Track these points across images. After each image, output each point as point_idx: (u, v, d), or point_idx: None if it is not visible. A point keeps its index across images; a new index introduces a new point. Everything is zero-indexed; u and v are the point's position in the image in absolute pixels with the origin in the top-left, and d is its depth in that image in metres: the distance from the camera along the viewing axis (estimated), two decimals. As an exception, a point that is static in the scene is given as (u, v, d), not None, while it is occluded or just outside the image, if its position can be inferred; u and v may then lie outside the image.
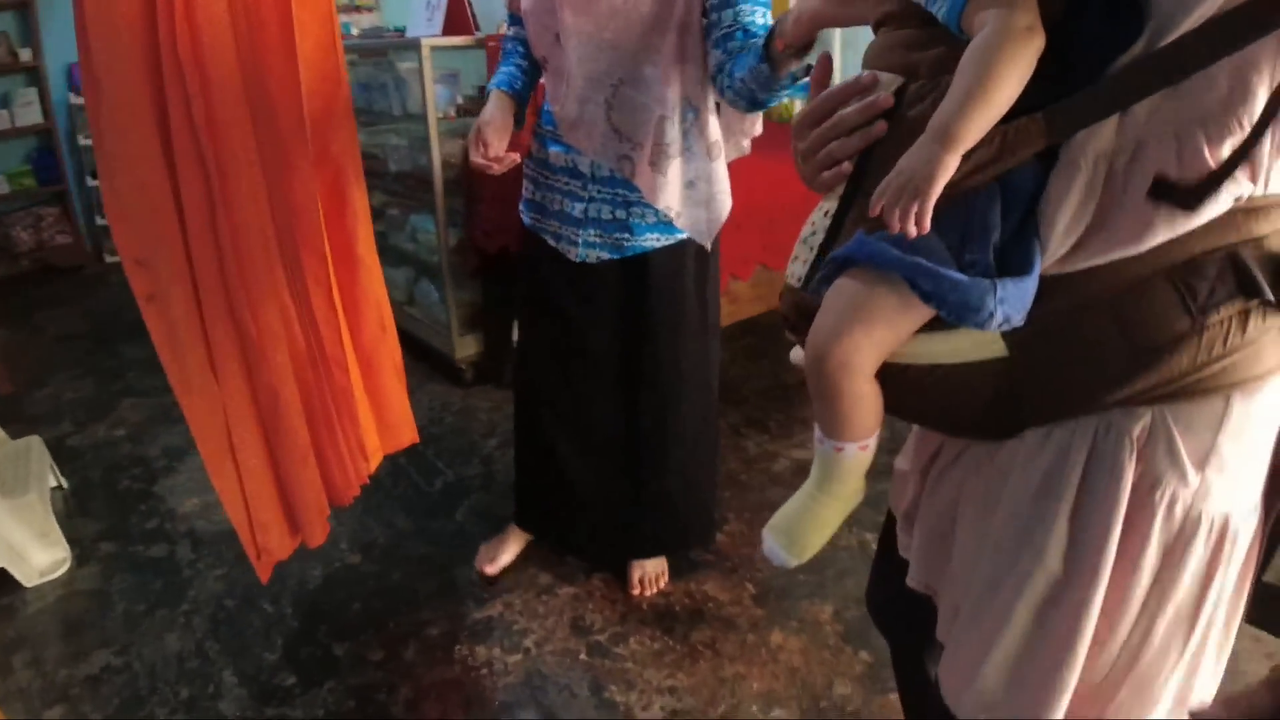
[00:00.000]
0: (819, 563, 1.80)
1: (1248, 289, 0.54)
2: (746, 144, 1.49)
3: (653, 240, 1.38)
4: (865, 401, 0.59)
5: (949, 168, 0.53)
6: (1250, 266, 0.54)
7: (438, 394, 2.59)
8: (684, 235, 1.38)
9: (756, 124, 1.46)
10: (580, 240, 1.39)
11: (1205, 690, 0.67)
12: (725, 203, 1.37)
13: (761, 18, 1.20)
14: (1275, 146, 0.51)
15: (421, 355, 2.73)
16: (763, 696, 1.41)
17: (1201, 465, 0.58)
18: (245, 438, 1.17)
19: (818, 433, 0.65)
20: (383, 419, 1.49)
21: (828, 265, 0.58)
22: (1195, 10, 0.48)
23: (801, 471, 2.15)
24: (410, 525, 1.93)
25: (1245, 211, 0.53)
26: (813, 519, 0.68)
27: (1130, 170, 0.53)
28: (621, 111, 1.28)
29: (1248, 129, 0.50)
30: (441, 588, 1.70)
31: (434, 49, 2.31)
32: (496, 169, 1.35)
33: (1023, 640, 0.65)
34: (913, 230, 0.53)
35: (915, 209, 0.53)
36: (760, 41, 1.09)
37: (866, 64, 0.63)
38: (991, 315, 0.53)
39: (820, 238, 0.63)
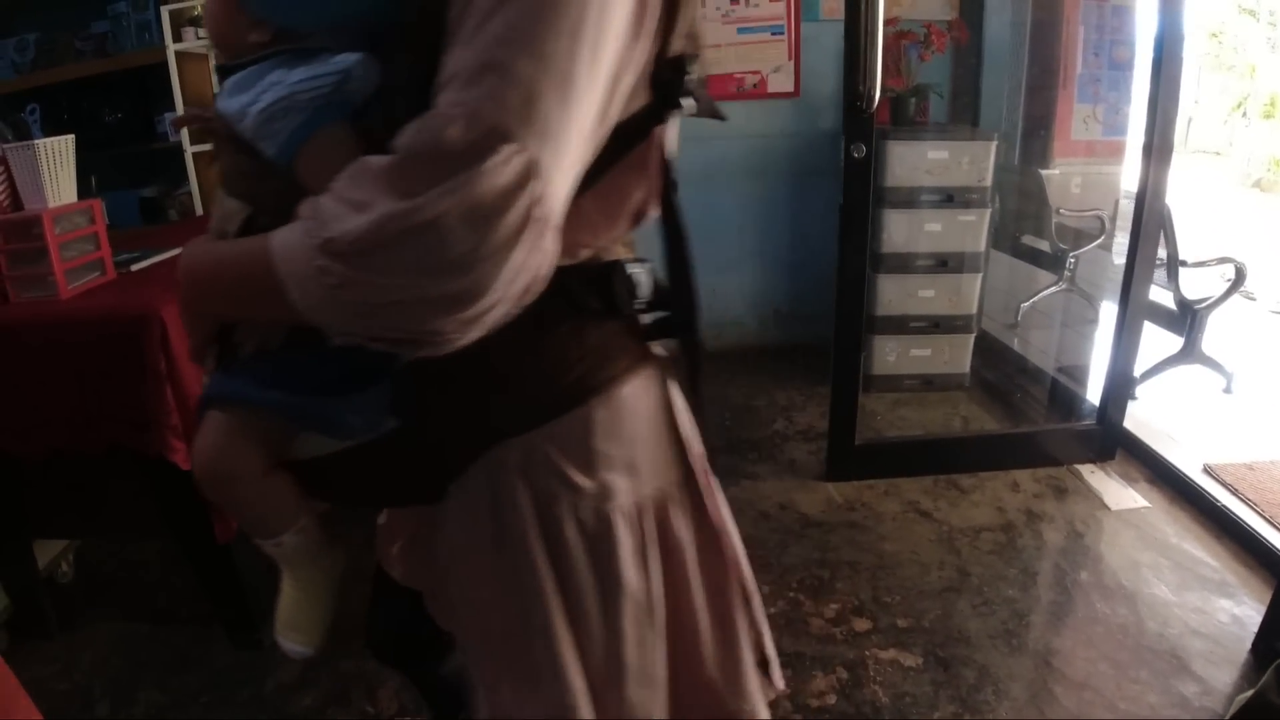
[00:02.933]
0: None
1: (576, 304, 0.57)
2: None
3: None
4: (270, 497, 0.63)
5: None
6: (571, 284, 0.56)
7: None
8: None
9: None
10: None
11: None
12: None
13: None
14: None
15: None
16: None
17: (591, 471, 0.58)
18: None
19: (259, 541, 0.67)
20: None
21: (201, 401, 0.62)
22: None
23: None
24: None
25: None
26: (308, 603, 0.71)
27: None
28: None
29: None
30: None
31: None
32: None
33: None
34: None
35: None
36: None
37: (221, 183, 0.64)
38: (354, 427, 0.59)
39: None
